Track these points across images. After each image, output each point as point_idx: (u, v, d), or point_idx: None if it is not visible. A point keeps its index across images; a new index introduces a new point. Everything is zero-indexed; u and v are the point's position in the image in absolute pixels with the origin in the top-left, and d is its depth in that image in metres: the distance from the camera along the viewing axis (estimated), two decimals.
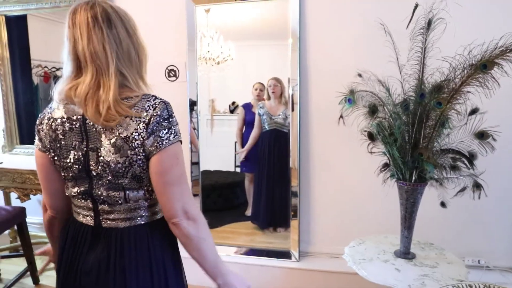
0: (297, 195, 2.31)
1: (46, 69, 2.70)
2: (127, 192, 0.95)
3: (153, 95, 0.95)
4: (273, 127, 2.40)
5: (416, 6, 1.45)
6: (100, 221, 0.99)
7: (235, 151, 2.57)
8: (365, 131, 1.67)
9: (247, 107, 2.49)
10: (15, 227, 2.38)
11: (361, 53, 2.11)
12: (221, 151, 2.56)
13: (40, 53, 2.72)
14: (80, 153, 0.95)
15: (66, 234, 1.05)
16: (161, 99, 0.94)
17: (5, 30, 2.66)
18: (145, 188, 0.97)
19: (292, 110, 2.27)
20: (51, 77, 2.70)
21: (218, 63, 2.42)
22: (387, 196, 1.91)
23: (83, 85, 0.90)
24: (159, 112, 0.91)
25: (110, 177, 0.93)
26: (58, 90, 0.94)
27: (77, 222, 1.03)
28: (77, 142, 0.95)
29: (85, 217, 1.01)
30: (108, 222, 0.98)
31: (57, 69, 2.68)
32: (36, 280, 2.48)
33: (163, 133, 0.91)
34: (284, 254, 2.36)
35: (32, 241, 2.43)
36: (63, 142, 0.96)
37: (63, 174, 1.00)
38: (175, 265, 1.07)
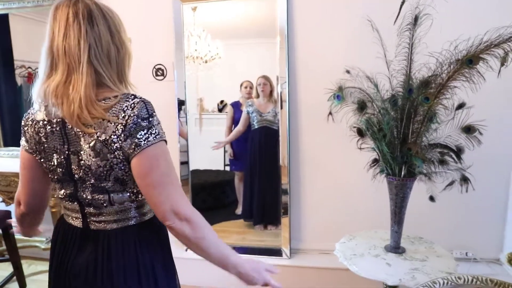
0: (287, 193, 2.31)
1: (30, 69, 2.64)
2: (111, 195, 0.93)
3: (132, 94, 0.91)
4: (263, 125, 2.40)
5: (403, 2, 1.47)
6: (88, 223, 0.98)
7: (224, 150, 2.56)
8: (354, 127, 1.68)
9: (236, 105, 2.48)
10: (0, 231, 2.32)
11: (349, 50, 2.12)
12: (210, 150, 2.55)
13: (23, 54, 2.66)
14: (62, 157, 0.93)
15: (56, 236, 1.04)
16: (140, 98, 0.90)
17: None
18: (130, 190, 0.95)
19: (281, 108, 2.27)
20: (35, 77, 2.64)
21: (206, 62, 2.41)
22: (377, 192, 1.92)
23: (52, 83, 0.88)
24: (136, 112, 0.87)
25: (92, 181, 0.92)
26: (35, 91, 0.91)
27: (66, 223, 1.02)
28: (59, 146, 0.93)
29: (74, 219, 1.00)
30: (96, 224, 0.97)
31: None
32: (22, 285, 2.42)
33: (141, 134, 0.86)
34: (276, 252, 2.37)
35: (18, 245, 2.38)
36: (46, 145, 0.95)
37: (50, 176, 0.99)
38: (166, 267, 1.04)
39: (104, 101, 0.88)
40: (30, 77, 2.65)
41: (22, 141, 1.00)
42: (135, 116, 0.86)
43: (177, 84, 2.37)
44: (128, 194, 0.95)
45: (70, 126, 0.90)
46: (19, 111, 2.70)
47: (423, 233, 1.88)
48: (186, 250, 2.02)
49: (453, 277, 1.30)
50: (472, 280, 1.27)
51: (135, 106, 0.87)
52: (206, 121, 2.50)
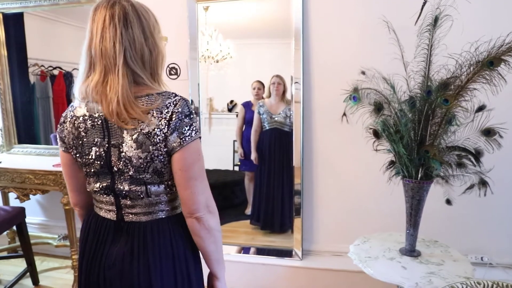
0: (300, 194, 2.30)
1: (42, 68, 2.67)
2: (149, 186, 0.97)
3: (173, 92, 0.96)
4: (273, 126, 2.39)
5: (425, 2, 1.45)
6: (122, 216, 1.01)
7: (234, 149, 2.56)
8: (370, 128, 1.67)
9: (247, 105, 2.48)
10: (14, 227, 2.35)
11: (364, 51, 2.10)
12: (220, 150, 2.55)
13: (37, 52, 2.69)
14: (101, 150, 0.96)
15: (87, 229, 1.07)
16: (180, 96, 0.95)
17: (2, 28, 2.63)
18: (166, 183, 0.99)
19: (295, 108, 2.26)
20: (47, 76, 2.67)
21: (217, 62, 2.41)
22: (390, 194, 1.91)
23: (92, 82, 0.92)
24: (180, 109, 0.92)
25: (131, 172, 0.95)
26: (77, 89, 0.96)
27: (98, 216, 1.05)
28: (98, 139, 0.96)
29: (107, 212, 1.03)
30: (130, 216, 1.00)
31: (54, 68, 2.65)
32: (35, 281, 2.45)
33: (185, 130, 0.92)
34: (286, 253, 2.35)
35: (32, 241, 2.41)
36: (85, 139, 0.98)
37: (85, 170, 1.02)
38: (195, 259, 1.10)
39: (147, 97, 0.93)
40: (43, 75, 2.67)
41: (59, 141, 1.05)
42: (179, 113, 0.92)
43: (190, 83, 2.37)
44: (164, 186, 0.99)
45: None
46: (32, 109, 2.73)
47: (437, 236, 1.85)
48: None
49: (472, 282, 1.27)
50: (492, 286, 1.24)
51: (177, 103, 0.93)
52: (216, 120, 2.50)
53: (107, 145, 0.96)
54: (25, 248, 2.34)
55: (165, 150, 0.93)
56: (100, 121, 0.96)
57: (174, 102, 0.93)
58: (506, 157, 1.67)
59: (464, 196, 1.57)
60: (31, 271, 2.41)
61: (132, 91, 0.92)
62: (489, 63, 1.35)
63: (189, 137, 0.93)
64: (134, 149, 0.93)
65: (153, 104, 0.92)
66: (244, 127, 2.50)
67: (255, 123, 2.43)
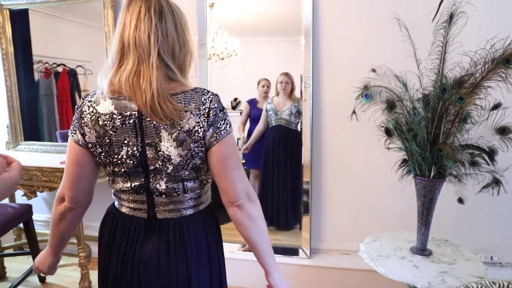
0: (308, 192, 2.29)
1: (47, 65, 2.66)
2: (186, 183, 0.98)
3: (204, 89, 0.97)
4: (278, 123, 2.38)
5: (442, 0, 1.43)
6: (154, 213, 1.01)
7: (238, 148, 2.55)
8: (382, 126, 1.65)
9: (253, 103, 2.47)
10: (21, 224, 2.34)
11: (375, 48, 2.09)
12: None
13: (41, 49, 2.67)
14: (135, 149, 0.95)
15: (114, 227, 1.06)
16: (212, 92, 0.96)
17: (9, 25, 2.61)
18: (201, 178, 1.01)
19: (304, 107, 2.25)
20: (51, 73, 2.66)
21: (222, 59, 2.40)
22: (400, 193, 1.90)
23: (124, 72, 0.91)
24: (216, 104, 0.94)
25: (169, 171, 0.95)
26: (106, 82, 0.94)
27: (126, 215, 1.04)
28: (129, 138, 0.94)
29: (137, 210, 1.02)
30: (164, 213, 1.01)
31: (58, 65, 2.64)
32: (42, 279, 2.45)
33: (220, 124, 0.94)
34: (293, 251, 2.35)
35: (39, 238, 2.40)
36: (114, 138, 0.95)
37: (110, 169, 1.00)
38: (223, 255, 1.13)
39: (183, 94, 0.92)
40: (47, 72, 2.66)
41: (76, 135, 0.99)
42: (215, 108, 0.93)
43: (199, 80, 2.36)
44: (199, 182, 1.01)
45: (148, 118, 0.92)
46: (37, 106, 2.72)
47: (447, 235, 1.85)
48: None
49: (487, 281, 1.26)
50: (508, 286, 1.23)
51: (212, 99, 0.94)
52: None
53: (140, 144, 0.94)
54: (32, 246, 2.33)
55: (203, 146, 0.94)
56: (132, 120, 0.93)
57: (210, 98, 0.94)
58: None
59: (475, 195, 1.56)
60: None
61: (166, 87, 0.91)
62: (505, 61, 1.33)
63: (225, 131, 0.95)
64: (174, 148, 0.93)
65: (190, 102, 0.92)
66: (248, 124, 2.49)
67: (262, 120, 2.42)
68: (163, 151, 0.93)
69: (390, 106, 1.59)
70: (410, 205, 1.75)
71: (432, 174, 1.54)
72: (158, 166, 0.95)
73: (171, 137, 0.92)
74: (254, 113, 2.47)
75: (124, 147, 0.95)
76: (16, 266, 2.57)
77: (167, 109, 0.89)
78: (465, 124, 1.46)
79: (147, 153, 0.95)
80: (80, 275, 2.31)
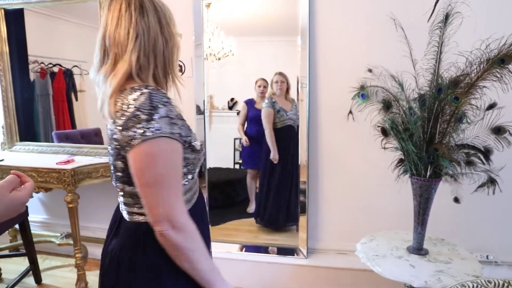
0: (305, 192, 2.29)
1: (42, 65, 2.65)
2: (125, 185, 0.94)
3: (146, 85, 0.87)
4: (288, 123, 2.36)
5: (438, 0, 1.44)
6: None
7: (235, 147, 2.55)
8: (379, 126, 1.66)
9: (250, 103, 2.46)
10: (17, 225, 2.33)
11: (372, 48, 2.09)
12: (220, 148, 2.53)
13: (37, 49, 2.66)
14: None
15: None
16: (151, 89, 0.85)
17: (4, 25, 2.60)
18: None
19: (301, 106, 2.25)
20: (47, 73, 2.65)
21: (219, 59, 2.39)
22: (396, 193, 1.90)
23: (103, 70, 0.91)
24: (138, 104, 0.82)
25: (112, 167, 0.96)
26: (93, 81, 0.95)
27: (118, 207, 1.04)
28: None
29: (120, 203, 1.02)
30: (124, 212, 0.99)
31: (54, 65, 2.62)
32: (38, 280, 2.44)
33: (138, 127, 0.81)
34: (291, 251, 2.35)
35: (34, 240, 2.39)
36: None
37: None
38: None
39: (123, 92, 0.88)
40: (43, 73, 2.65)
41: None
42: (135, 108, 0.82)
43: (196, 80, 2.35)
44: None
45: None
46: (32, 106, 2.70)
47: (443, 234, 1.85)
48: None
49: (482, 280, 1.27)
50: (503, 284, 1.24)
51: (138, 98, 0.83)
52: (216, 118, 2.49)
53: None
54: (28, 247, 2.32)
55: (121, 150, 0.87)
56: None
57: (135, 97, 0.84)
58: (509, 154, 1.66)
59: (471, 194, 1.57)
60: (34, 269, 2.39)
61: (122, 85, 0.88)
62: (500, 61, 1.34)
63: (141, 135, 0.81)
64: (108, 145, 0.93)
65: (122, 100, 0.85)
66: (246, 124, 2.49)
67: (270, 119, 2.37)
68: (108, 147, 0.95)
69: (387, 106, 1.59)
70: (407, 205, 1.76)
71: (428, 173, 1.55)
72: (109, 161, 0.96)
73: (107, 134, 0.93)
74: (251, 114, 2.46)
75: None
76: (12, 267, 2.56)
77: (106, 107, 0.87)
78: (460, 124, 1.47)
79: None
80: (76, 276, 2.30)
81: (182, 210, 0.87)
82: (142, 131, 0.81)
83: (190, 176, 0.98)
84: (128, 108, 0.83)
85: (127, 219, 0.96)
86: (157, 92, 0.85)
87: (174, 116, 0.86)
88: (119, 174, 0.92)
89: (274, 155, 2.40)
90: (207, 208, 2.42)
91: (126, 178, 0.91)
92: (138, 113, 0.82)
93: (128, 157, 0.84)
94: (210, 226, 2.46)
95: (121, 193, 0.96)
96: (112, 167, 0.97)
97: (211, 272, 0.93)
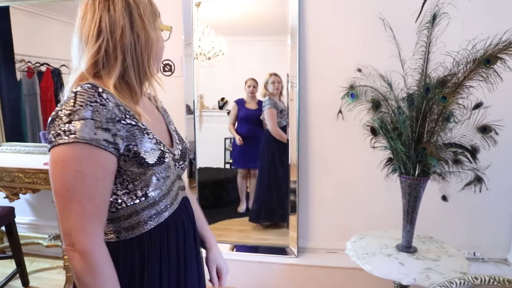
0: (295, 191, 2.30)
1: (29, 64, 2.60)
2: None
3: (86, 84, 0.77)
4: (283, 124, 2.36)
5: (425, 0, 1.45)
6: None
7: (225, 147, 2.54)
8: (368, 125, 1.67)
9: (241, 103, 2.46)
10: (3, 228, 2.29)
11: (361, 48, 2.10)
12: (211, 148, 2.53)
13: (23, 48, 2.62)
14: None
15: None
16: (81, 87, 0.75)
17: None
18: None
19: (291, 106, 2.25)
20: (34, 72, 2.61)
21: (209, 59, 2.38)
22: (386, 191, 1.92)
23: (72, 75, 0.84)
24: (61, 103, 0.75)
25: None
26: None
27: None
28: None
29: None
30: None
31: (41, 65, 2.59)
32: (25, 283, 2.40)
33: (55, 129, 0.72)
34: (281, 250, 2.35)
35: (21, 242, 2.35)
36: None
37: None
38: None
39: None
40: (30, 72, 2.61)
41: None
42: (57, 107, 0.74)
43: (185, 80, 2.34)
44: None
45: None
46: (19, 106, 2.66)
47: (431, 232, 1.88)
48: None
49: (469, 277, 1.29)
50: (489, 281, 1.26)
51: (69, 95, 0.75)
52: (206, 118, 2.48)
53: None
54: (15, 249, 2.29)
55: None
56: None
57: (65, 96, 0.77)
58: (499, 154, 1.69)
59: (457, 192, 1.59)
60: (21, 272, 2.35)
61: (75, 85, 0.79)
62: (486, 61, 1.36)
63: (55, 138, 0.72)
64: None
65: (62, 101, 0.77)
66: (237, 124, 2.48)
67: (275, 120, 2.37)
68: None
69: (376, 105, 1.61)
70: (396, 203, 1.78)
71: (416, 172, 1.56)
72: None
73: None
74: (242, 113, 2.46)
75: None
76: None
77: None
78: (448, 123, 1.49)
79: None
80: (65, 278, 2.27)
81: (89, 234, 0.73)
82: (57, 133, 0.72)
83: (140, 193, 0.84)
84: (56, 107, 0.75)
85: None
86: (89, 90, 0.75)
87: (106, 119, 0.74)
88: None
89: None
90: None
91: None
92: (60, 113, 0.73)
93: None
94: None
95: None
96: None
97: None
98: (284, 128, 2.35)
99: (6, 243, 2.43)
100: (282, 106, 2.36)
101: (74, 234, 0.72)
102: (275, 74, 2.33)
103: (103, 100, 0.75)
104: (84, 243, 0.72)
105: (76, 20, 0.84)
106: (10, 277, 2.33)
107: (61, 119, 0.72)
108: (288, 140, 2.32)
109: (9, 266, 2.50)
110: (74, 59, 0.85)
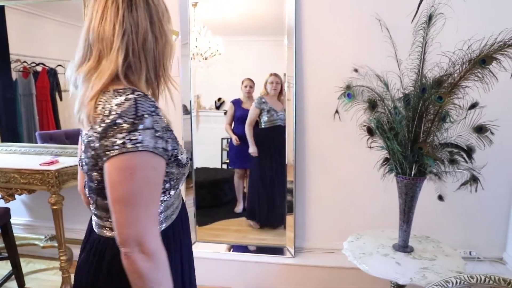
0: (292, 191, 2.30)
1: (25, 64, 2.59)
2: (98, 198, 0.87)
3: (134, 89, 0.79)
4: (277, 123, 2.37)
5: (421, 0, 1.46)
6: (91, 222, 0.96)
7: (222, 147, 2.54)
8: (365, 125, 1.68)
9: (237, 103, 2.46)
10: None
11: (358, 49, 2.11)
12: (208, 148, 2.53)
13: (19, 48, 2.60)
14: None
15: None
16: (137, 95, 0.77)
17: None
18: None
19: (288, 106, 2.26)
20: (30, 72, 2.59)
21: (206, 59, 2.38)
22: (382, 191, 1.93)
23: (86, 67, 0.82)
24: (120, 111, 0.74)
25: (86, 178, 0.90)
26: (68, 77, 0.87)
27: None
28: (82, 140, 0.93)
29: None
30: (93, 224, 0.94)
31: (37, 64, 2.57)
32: (21, 284, 2.38)
33: (117, 137, 0.73)
34: (278, 250, 2.35)
35: (17, 243, 2.34)
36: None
37: None
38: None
39: (106, 94, 0.79)
40: (26, 72, 2.60)
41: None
42: (117, 115, 0.74)
43: (182, 80, 2.34)
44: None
45: None
46: (15, 106, 2.64)
47: (427, 232, 1.89)
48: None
49: (465, 276, 1.30)
50: (485, 280, 1.27)
51: (124, 103, 0.75)
52: (203, 118, 2.48)
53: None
54: (10, 250, 2.27)
55: (97, 159, 0.80)
56: None
57: (119, 102, 0.75)
58: (495, 153, 1.70)
59: (453, 192, 1.60)
60: (17, 273, 2.33)
61: (106, 85, 0.80)
62: (481, 61, 1.37)
63: (119, 147, 0.73)
64: (83, 152, 0.85)
65: (104, 104, 0.77)
66: (233, 124, 2.48)
67: (252, 118, 2.40)
68: (81, 154, 0.88)
69: (372, 105, 1.61)
70: (392, 203, 1.78)
71: (413, 172, 1.57)
72: (83, 170, 0.89)
73: (82, 141, 0.86)
74: (238, 113, 2.46)
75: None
76: None
77: (87, 112, 0.78)
78: (444, 123, 1.50)
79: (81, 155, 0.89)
80: (61, 279, 2.26)
81: (155, 235, 0.78)
82: (121, 141, 0.73)
83: (172, 192, 0.91)
84: (110, 114, 0.75)
85: (96, 232, 0.91)
86: (144, 99, 0.77)
87: (161, 128, 0.78)
88: (93, 185, 0.85)
89: (252, 149, 2.44)
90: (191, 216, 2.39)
91: (100, 190, 0.84)
92: (120, 121, 0.74)
93: (104, 166, 0.76)
94: (197, 226, 2.47)
95: (94, 205, 0.91)
96: (86, 177, 0.90)
97: None
98: (277, 128, 2.36)
99: (2, 244, 2.41)
100: (276, 107, 2.36)
101: (143, 236, 0.75)
102: (275, 74, 2.33)
103: (157, 109, 0.79)
104: (152, 244, 0.76)
105: (89, 17, 0.83)
106: (6, 279, 2.32)
107: (122, 126, 0.73)
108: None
109: (5, 267, 2.49)
110: (79, 55, 0.85)
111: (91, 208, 0.94)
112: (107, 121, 0.75)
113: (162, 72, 0.88)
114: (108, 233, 0.88)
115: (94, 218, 0.94)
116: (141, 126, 0.74)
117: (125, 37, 0.80)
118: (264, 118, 2.39)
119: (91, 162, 0.82)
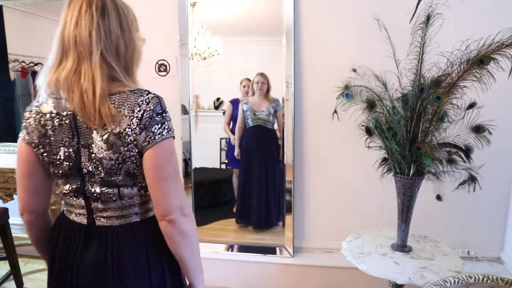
0: (291, 191, 2.30)
1: (23, 64, 2.59)
2: (121, 189, 0.93)
3: (146, 90, 0.92)
4: (256, 123, 2.39)
5: (419, 1, 1.46)
6: (93, 220, 0.96)
7: (221, 147, 2.54)
8: (363, 125, 1.68)
9: (236, 103, 2.47)
10: None
11: (356, 49, 2.12)
12: (206, 148, 2.53)
13: (17, 47, 2.60)
14: (71, 150, 0.92)
15: (58, 233, 1.01)
16: (154, 93, 0.92)
17: None
18: (139, 184, 0.95)
19: (286, 106, 2.26)
20: (28, 72, 2.59)
21: (204, 59, 2.38)
22: (381, 191, 1.93)
23: (63, 71, 0.87)
24: (152, 107, 0.89)
25: (102, 174, 0.91)
26: (44, 81, 0.90)
27: (69, 220, 1.00)
28: (67, 139, 0.91)
29: (78, 215, 0.98)
30: (102, 220, 0.96)
31: (35, 64, 2.57)
32: (20, 284, 2.37)
33: (155, 128, 0.89)
34: (276, 250, 2.35)
35: (15, 243, 2.33)
36: (52, 138, 0.92)
37: (52, 170, 0.95)
38: (173, 269, 1.04)
39: (119, 95, 0.89)
40: (24, 72, 2.59)
41: (22, 134, 0.95)
42: (150, 111, 0.89)
43: (181, 80, 2.33)
44: (137, 188, 0.96)
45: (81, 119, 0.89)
46: (13, 106, 2.64)
47: (426, 231, 1.89)
48: None
49: (463, 275, 1.30)
50: (483, 279, 1.27)
51: (150, 101, 0.90)
52: (202, 118, 2.48)
53: (76, 145, 0.91)
54: (9, 250, 2.26)
55: (136, 151, 0.89)
56: (68, 120, 0.91)
57: (147, 100, 0.89)
58: (492, 153, 1.71)
59: (451, 192, 1.60)
60: (15, 273, 2.33)
61: (106, 88, 0.87)
62: (479, 61, 1.38)
63: (160, 135, 0.89)
64: (105, 150, 0.88)
65: (124, 103, 0.88)
66: (231, 124, 2.49)
67: (238, 120, 2.44)
68: (95, 154, 0.89)
69: (370, 105, 1.61)
70: (391, 203, 1.79)
71: (411, 172, 1.57)
72: (91, 169, 0.91)
73: (102, 139, 0.88)
74: (237, 113, 2.47)
75: (62, 148, 0.92)
76: None
77: (104, 111, 0.85)
78: (442, 123, 1.50)
79: (81, 154, 0.91)
80: None
81: (186, 200, 0.99)
82: (161, 130, 0.90)
83: None
84: (143, 110, 0.88)
85: (138, 220, 0.98)
86: (160, 96, 0.93)
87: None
88: (119, 178, 0.91)
89: (236, 152, 2.49)
90: None
91: (127, 181, 0.93)
92: (153, 115, 0.89)
93: (145, 154, 0.89)
94: (196, 226, 2.46)
95: (113, 199, 0.94)
96: (103, 174, 0.91)
97: (200, 262, 1.04)
98: (256, 129, 2.39)
99: (0, 245, 2.41)
100: (258, 107, 2.37)
101: (184, 203, 0.94)
102: (261, 74, 2.34)
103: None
104: (188, 207, 0.96)
105: (62, 22, 0.88)
106: (4, 279, 2.31)
107: (156, 119, 0.90)
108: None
109: (3, 267, 2.48)
110: (53, 57, 0.89)
111: (106, 205, 0.95)
112: (146, 115, 0.88)
113: (130, 75, 0.96)
114: (150, 214, 1.01)
115: (108, 213, 0.96)
116: (168, 118, 0.93)
117: (101, 42, 0.87)
118: (248, 119, 2.41)
119: (125, 155, 0.89)
